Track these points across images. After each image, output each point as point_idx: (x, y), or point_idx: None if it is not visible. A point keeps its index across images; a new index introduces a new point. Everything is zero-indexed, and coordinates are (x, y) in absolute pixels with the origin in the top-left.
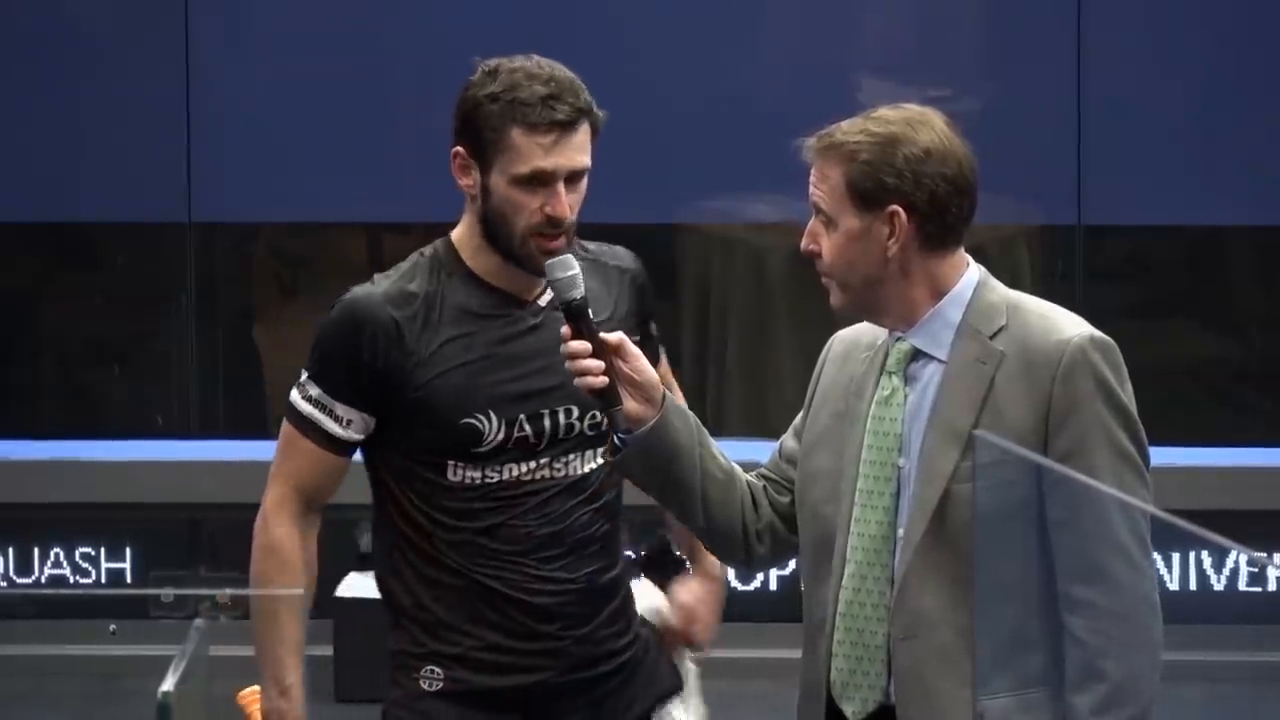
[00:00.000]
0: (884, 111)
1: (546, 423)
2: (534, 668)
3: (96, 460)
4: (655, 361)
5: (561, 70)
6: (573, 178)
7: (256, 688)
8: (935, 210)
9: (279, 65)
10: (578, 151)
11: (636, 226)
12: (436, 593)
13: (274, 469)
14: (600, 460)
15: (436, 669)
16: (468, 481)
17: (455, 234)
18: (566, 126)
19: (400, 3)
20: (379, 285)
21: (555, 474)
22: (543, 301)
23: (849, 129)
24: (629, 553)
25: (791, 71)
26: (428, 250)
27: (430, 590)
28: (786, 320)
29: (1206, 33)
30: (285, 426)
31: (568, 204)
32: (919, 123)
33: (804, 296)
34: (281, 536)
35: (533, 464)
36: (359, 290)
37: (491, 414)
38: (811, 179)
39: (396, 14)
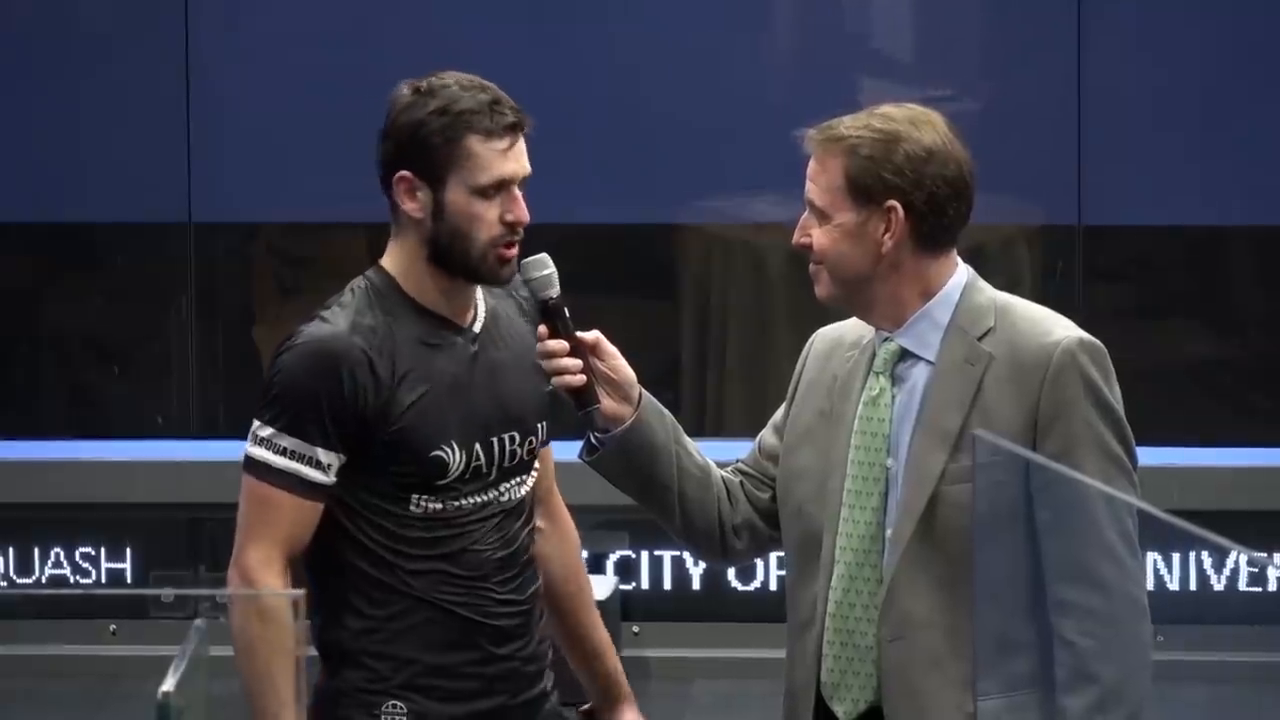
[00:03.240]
0: (888, 109)
1: (495, 449)
2: (491, 691)
3: (96, 460)
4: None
5: (486, 81)
6: (521, 184)
7: None
8: (932, 211)
9: (279, 65)
10: (525, 156)
11: (637, 226)
12: (396, 625)
13: (247, 530)
14: (531, 484)
15: (399, 703)
16: (430, 512)
17: (388, 263)
18: (516, 130)
19: (400, 3)
20: (337, 321)
21: (501, 498)
22: (476, 327)
23: (852, 123)
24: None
25: (792, 71)
26: (360, 283)
27: (389, 623)
28: (786, 320)
29: (1207, 32)
30: (252, 485)
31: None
32: (922, 122)
33: (804, 297)
34: (275, 600)
35: (485, 490)
36: (320, 329)
37: (455, 444)
38: (809, 171)
39: (396, 14)
